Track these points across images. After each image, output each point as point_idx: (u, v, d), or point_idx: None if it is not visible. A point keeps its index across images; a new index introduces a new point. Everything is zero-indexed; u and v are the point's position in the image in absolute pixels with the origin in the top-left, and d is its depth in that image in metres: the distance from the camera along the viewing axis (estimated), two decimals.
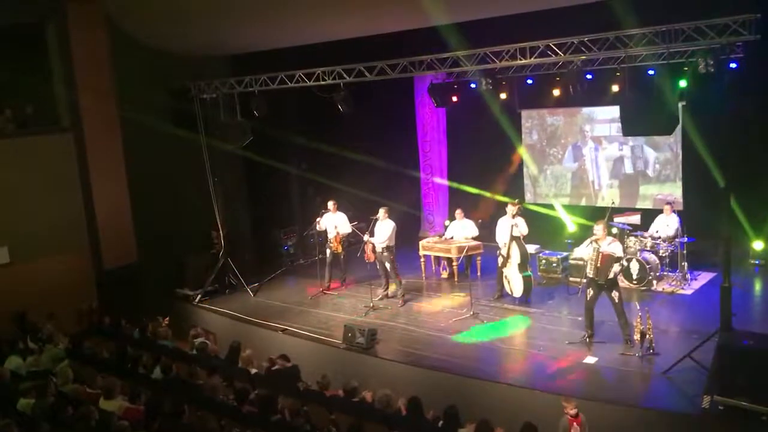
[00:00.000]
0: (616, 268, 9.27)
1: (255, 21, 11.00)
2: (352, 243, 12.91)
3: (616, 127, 13.24)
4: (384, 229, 11.69)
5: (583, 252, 9.80)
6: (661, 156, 13.47)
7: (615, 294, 9.33)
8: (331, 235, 12.47)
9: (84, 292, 12.15)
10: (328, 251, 12.61)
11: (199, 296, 12.92)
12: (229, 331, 11.24)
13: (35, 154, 11.94)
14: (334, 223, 12.46)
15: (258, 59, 12.55)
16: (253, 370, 8.50)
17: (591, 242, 9.43)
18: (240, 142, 12.81)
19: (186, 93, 12.91)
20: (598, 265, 9.26)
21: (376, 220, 11.77)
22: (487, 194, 15.00)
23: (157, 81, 12.53)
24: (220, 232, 13.27)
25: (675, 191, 13.27)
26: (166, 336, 10.00)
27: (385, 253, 11.72)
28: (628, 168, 13.96)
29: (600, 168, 14.30)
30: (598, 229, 9.43)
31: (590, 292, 9.51)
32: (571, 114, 14.52)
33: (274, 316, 11.68)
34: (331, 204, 12.60)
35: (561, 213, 14.55)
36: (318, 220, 12.56)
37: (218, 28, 11.49)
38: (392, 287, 12.12)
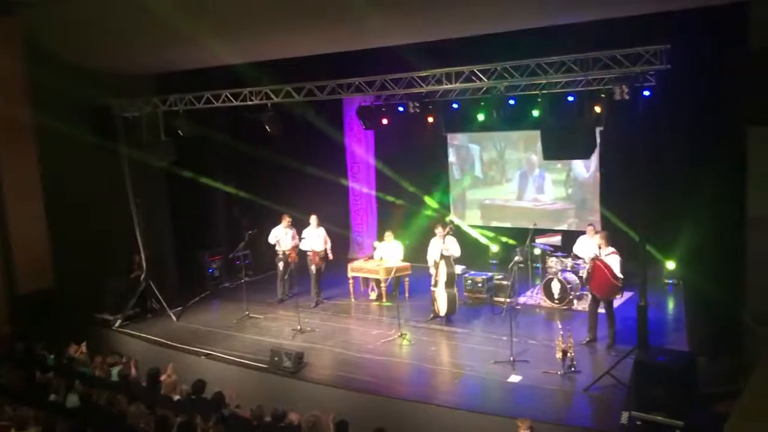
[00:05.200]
0: (613, 291, 9.66)
1: (179, 41, 10.84)
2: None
3: (539, 151, 13.66)
4: (321, 235, 12.74)
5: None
6: (580, 179, 13.99)
7: (604, 301, 9.91)
8: (287, 247, 12.86)
9: None
10: (281, 265, 13.01)
11: (119, 321, 12.51)
12: (151, 357, 10.91)
13: None
14: (289, 235, 12.90)
15: (183, 78, 12.36)
16: (176, 397, 8.28)
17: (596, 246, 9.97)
18: (163, 162, 12.56)
19: (107, 111, 12.58)
20: (590, 271, 9.80)
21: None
22: (416, 216, 15.18)
23: (77, 98, 12.09)
24: (142, 254, 12.94)
25: (593, 213, 13.75)
26: (84, 363, 9.63)
27: (318, 258, 12.72)
28: (547, 191, 14.42)
29: (522, 191, 14.70)
30: (599, 237, 10.01)
31: (589, 296, 10.33)
32: (495, 138, 14.89)
33: (198, 341, 11.42)
34: (288, 219, 12.99)
35: (471, 232, 14.90)
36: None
37: (141, 48, 11.28)
38: (314, 290, 12.94)
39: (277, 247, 12.98)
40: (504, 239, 14.77)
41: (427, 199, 15.44)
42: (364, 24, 9.44)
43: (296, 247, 12.94)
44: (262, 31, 10.21)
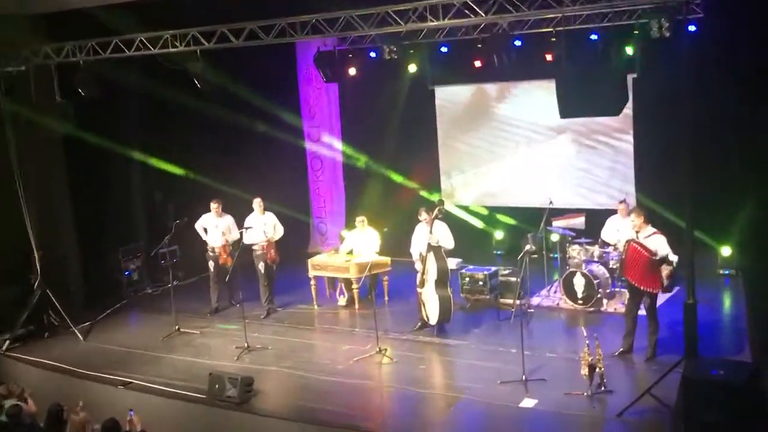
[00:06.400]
0: (665, 271, 9.67)
1: None
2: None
3: (554, 106, 13.67)
4: (270, 223, 12.71)
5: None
6: (608, 142, 14.05)
7: (646, 299, 9.91)
8: (216, 244, 12.84)
9: None
10: (211, 265, 13.01)
11: (8, 342, 12.40)
12: (51, 388, 10.83)
13: None
14: (220, 228, 12.90)
15: (84, 20, 12.16)
16: None
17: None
18: (58, 132, 12.43)
19: None
20: (624, 257, 9.88)
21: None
22: (396, 195, 15.16)
23: None
24: (35, 254, 12.81)
25: (626, 186, 13.85)
26: None
27: (272, 251, 12.71)
28: (570, 159, 14.49)
29: (534, 159, 14.75)
30: (634, 217, 9.94)
31: (626, 293, 10.42)
32: (497, 91, 14.90)
33: (113, 366, 11.32)
34: (214, 204, 12.94)
35: (467, 215, 14.98)
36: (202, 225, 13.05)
37: None
38: (265, 296, 13.00)
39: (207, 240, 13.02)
40: (511, 222, 14.83)
41: (410, 174, 15.43)
42: None
43: (228, 245, 12.91)
44: None
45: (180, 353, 11.73)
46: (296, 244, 15.11)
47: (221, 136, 14.69)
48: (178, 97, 13.33)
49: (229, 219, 13.03)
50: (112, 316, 13.62)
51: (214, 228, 12.93)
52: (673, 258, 9.74)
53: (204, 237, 13.06)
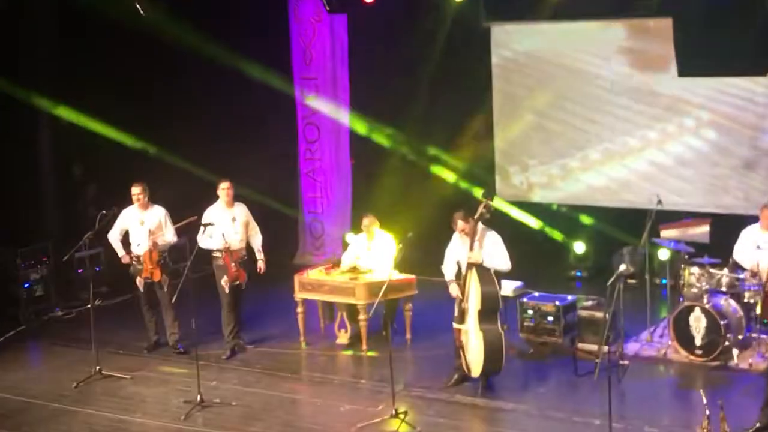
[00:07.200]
0: None
1: None
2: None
3: (670, 59, 13.56)
4: (240, 220, 12.67)
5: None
6: (747, 119, 13.98)
7: None
8: (140, 250, 12.71)
9: None
10: (140, 281, 12.87)
11: None
12: None
13: None
14: (147, 225, 12.75)
15: None
16: None
17: None
18: None
19: None
20: (766, 290, 10.03)
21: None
22: (425, 184, 15.18)
23: None
24: None
25: None
26: None
27: (239, 264, 12.63)
28: (689, 141, 14.44)
29: (638, 139, 14.70)
30: None
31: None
32: (581, 34, 14.84)
33: (3, 423, 11.11)
34: (137, 190, 12.68)
35: (530, 218, 14.92)
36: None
37: None
38: (229, 326, 12.87)
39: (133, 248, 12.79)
40: (597, 229, 14.73)
41: (450, 153, 15.43)
42: None
43: (158, 250, 12.77)
44: None
45: (101, 406, 11.46)
46: (278, 251, 15.01)
47: (173, 85, 14.57)
48: (112, 16, 13.30)
49: (159, 212, 12.67)
50: (4, 349, 13.62)
51: (139, 226, 12.54)
52: None
53: (120, 252, 12.85)
